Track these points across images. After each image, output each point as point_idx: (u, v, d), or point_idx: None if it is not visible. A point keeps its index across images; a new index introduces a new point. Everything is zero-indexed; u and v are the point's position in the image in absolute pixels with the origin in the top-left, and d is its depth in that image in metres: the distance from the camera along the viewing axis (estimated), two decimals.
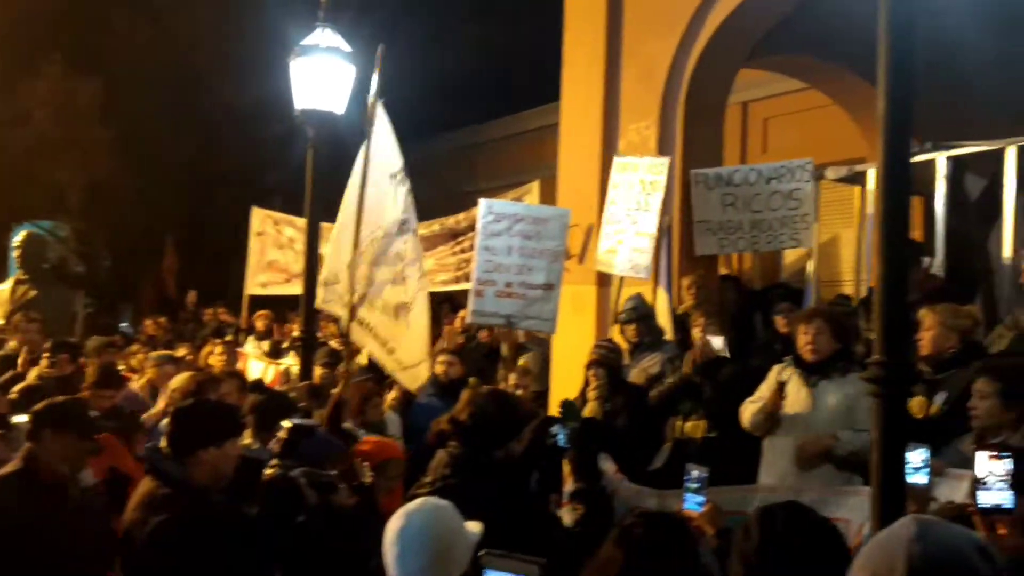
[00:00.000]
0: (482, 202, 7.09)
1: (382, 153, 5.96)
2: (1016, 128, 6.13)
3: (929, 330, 4.77)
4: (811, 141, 9.33)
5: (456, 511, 2.80)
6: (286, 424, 3.78)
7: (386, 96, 5.91)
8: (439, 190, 14.78)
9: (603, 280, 7.72)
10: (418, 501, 2.80)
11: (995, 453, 2.98)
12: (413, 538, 2.66)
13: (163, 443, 3.59)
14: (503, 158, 14.75)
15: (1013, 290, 6.01)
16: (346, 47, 6.50)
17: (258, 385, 5.83)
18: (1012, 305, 5.75)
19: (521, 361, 7.92)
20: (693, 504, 3.62)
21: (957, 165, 6.45)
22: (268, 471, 3.60)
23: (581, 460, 4.00)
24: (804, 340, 4.99)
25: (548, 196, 8.90)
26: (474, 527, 2.82)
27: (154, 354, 7.47)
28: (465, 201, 10.08)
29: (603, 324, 7.60)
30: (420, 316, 6.38)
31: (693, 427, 5.90)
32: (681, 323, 6.88)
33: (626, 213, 7.23)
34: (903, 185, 2.95)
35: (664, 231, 7.18)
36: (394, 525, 2.69)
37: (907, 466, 3.44)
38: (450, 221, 9.85)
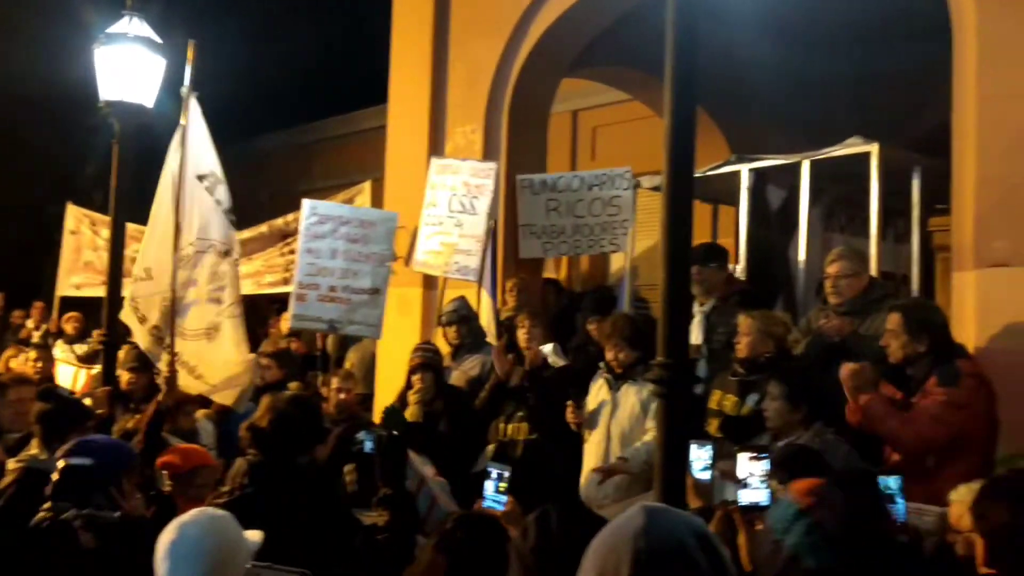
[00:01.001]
0: (305, 203, 6.92)
1: (194, 152, 5.69)
2: (811, 143, 6.55)
3: (747, 335, 5.00)
4: (636, 151, 9.60)
5: (234, 521, 2.69)
6: (60, 464, 3.50)
7: (201, 91, 5.69)
8: (273, 189, 14.41)
9: (429, 282, 7.72)
10: (192, 512, 2.68)
11: (755, 455, 3.18)
12: (186, 551, 2.52)
13: None
14: (339, 157, 14.51)
15: (811, 295, 6.40)
16: (156, 38, 6.21)
17: (47, 393, 5.47)
18: (809, 309, 6.11)
19: (347, 364, 7.81)
20: (493, 502, 3.63)
21: (759, 177, 6.82)
22: (39, 515, 3.35)
23: (387, 465, 3.97)
24: (609, 356, 5.25)
25: (380, 197, 8.83)
26: (254, 536, 2.72)
27: None
28: (300, 201, 9.85)
29: (428, 327, 7.61)
30: (227, 337, 6.10)
31: (515, 429, 6.00)
32: (505, 326, 6.96)
33: (449, 215, 7.24)
34: (685, 195, 3.07)
35: (489, 235, 7.26)
36: (165, 539, 2.55)
37: (694, 463, 3.61)
38: (279, 222, 9.57)
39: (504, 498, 3.62)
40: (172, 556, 2.53)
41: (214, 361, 5.92)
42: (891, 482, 3.06)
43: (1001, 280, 4.84)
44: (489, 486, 3.65)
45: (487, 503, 3.59)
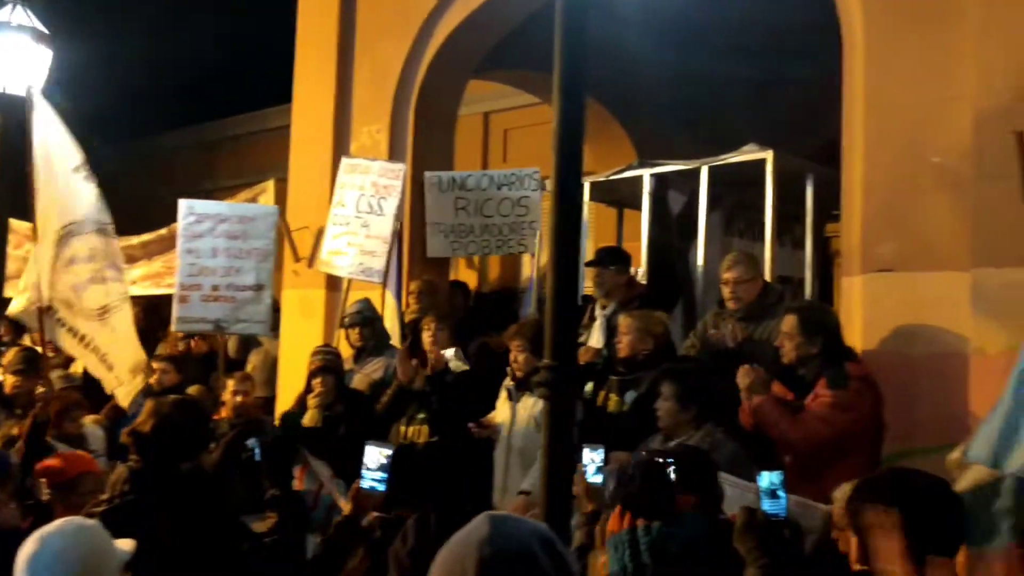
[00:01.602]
0: (182, 203, 6.83)
1: (56, 146, 5.58)
2: (716, 149, 6.66)
3: (627, 334, 5.06)
4: (548, 153, 9.62)
5: (102, 530, 2.58)
6: None
7: (63, 87, 5.57)
8: (176, 187, 13.98)
9: (332, 284, 7.60)
10: (57, 522, 2.55)
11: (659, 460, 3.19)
12: (46, 564, 2.40)
13: None
14: (245, 156, 14.19)
15: (710, 299, 6.50)
16: (43, 28, 5.97)
17: None
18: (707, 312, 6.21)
19: (248, 367, 7.64)
20: (373, 481, 3.53)
21: (660, 182, 6.92)
22: None
23: (272, 466, 3.88)
24: (511, 358, 5.27)
25: (284, 196, 8.67)
26: (125, 545, 2.61)
27: None
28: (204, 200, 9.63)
29: (332, 329, 7.48)
30: (124, 323, 6.00)
31: (415, 432, 5.93)
32: (410, 328, 6.88)
33: (356, 215, 7.14)
34: (573, 200, 3.08)
35: (395, 236, 7.17)
36: (26, 550, 2.41)
37: (587, 467, 3.61)
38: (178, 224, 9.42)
39: (382, 476, 3.53)
40: (32, 569, 2.40)
41: (118, 350, 5.87)
42: (773, 477, 3.08)
43: (887, 284, 4.98)
44: (368, 465, 3.55)
45: (365, 483, 3.51)
